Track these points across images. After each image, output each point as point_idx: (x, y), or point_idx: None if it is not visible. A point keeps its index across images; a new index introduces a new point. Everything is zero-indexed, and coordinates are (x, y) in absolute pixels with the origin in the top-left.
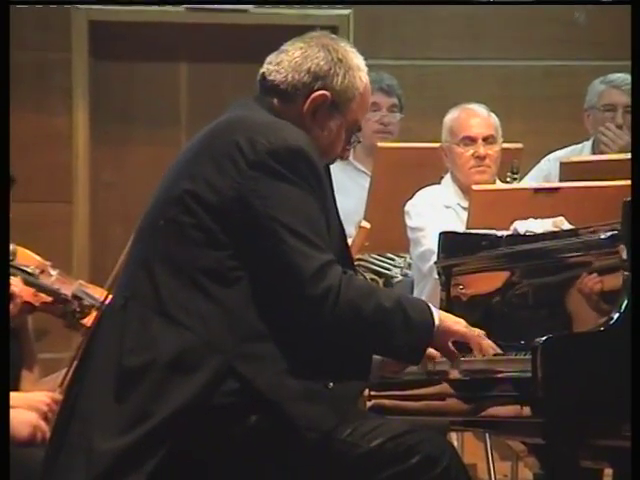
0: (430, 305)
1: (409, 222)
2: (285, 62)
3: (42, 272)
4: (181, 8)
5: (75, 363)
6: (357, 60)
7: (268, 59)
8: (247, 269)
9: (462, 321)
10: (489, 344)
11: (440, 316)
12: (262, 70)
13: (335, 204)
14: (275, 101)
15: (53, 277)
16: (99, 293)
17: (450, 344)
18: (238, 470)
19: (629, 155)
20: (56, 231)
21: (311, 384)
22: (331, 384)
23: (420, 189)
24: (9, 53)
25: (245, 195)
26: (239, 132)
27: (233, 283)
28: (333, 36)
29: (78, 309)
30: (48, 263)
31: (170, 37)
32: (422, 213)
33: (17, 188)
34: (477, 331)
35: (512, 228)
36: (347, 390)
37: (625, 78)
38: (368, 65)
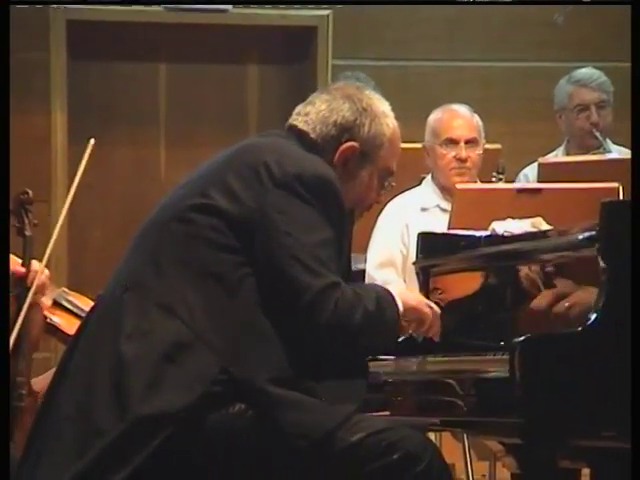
0: (392, 292)
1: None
2: (312, 114)
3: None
4: (160, 8)
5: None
6: (383, 107)
7: (297, 110)
8: (253, 276)
9: (420, 297)
10: (438, 325)
11: (402, 298)
12: (291, 121)
13: (350, 242)
14: (306, 147)
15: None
16: (81, 301)
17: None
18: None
19: (606, 156)
20: (34, 232)
21: (304, 394)
22: (323, 398)
23: (399, 194)
24: (9, 53)
25: (265, 208)
26: (269, 154)
27: (236, 286)
28: (358, 84)
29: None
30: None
31: (149, 37)
32: (377, 235)
33: None
34: (435, 309)
35: (490, 229)
36: (347, 396)
37: (592, 74)
38: (349, 66)
